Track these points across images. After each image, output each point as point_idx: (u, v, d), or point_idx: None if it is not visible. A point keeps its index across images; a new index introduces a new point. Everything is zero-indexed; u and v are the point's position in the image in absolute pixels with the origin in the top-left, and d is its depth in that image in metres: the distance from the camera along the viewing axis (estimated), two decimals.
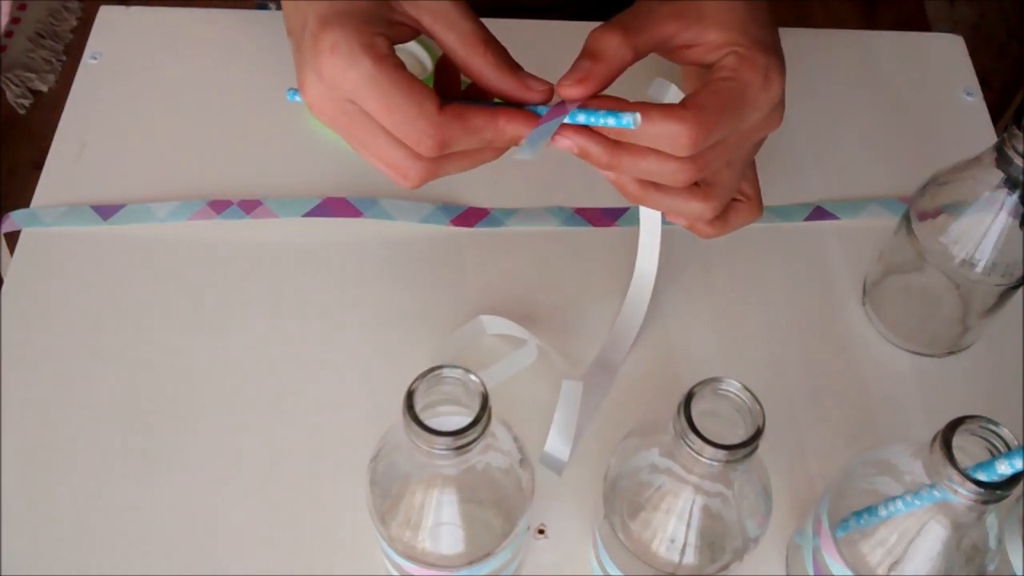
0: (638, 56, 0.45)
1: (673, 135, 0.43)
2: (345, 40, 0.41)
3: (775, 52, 0.46)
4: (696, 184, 0.47)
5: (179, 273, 0.61)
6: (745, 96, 0.44)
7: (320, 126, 0.67)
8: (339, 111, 0.43)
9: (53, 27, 1.68)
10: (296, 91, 0.46)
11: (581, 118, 0.43)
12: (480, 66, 0.44)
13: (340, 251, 0.62)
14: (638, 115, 0.42)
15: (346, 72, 0.41)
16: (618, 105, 0.43)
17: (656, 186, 0.46)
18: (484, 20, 0.45)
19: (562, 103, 0.44)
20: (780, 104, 0.46)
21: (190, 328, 0.59)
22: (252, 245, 0.62)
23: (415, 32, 0.45)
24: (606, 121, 0.43)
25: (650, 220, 0.57)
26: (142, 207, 0.63)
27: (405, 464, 0.42)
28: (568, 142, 0.44)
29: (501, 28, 0.47)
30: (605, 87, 0.44)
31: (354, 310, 0.60)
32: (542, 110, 0.44)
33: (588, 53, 0.44)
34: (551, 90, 0.45)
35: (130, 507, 0.53)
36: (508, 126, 0.44)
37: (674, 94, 0.48)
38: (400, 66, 0.42)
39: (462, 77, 0.47)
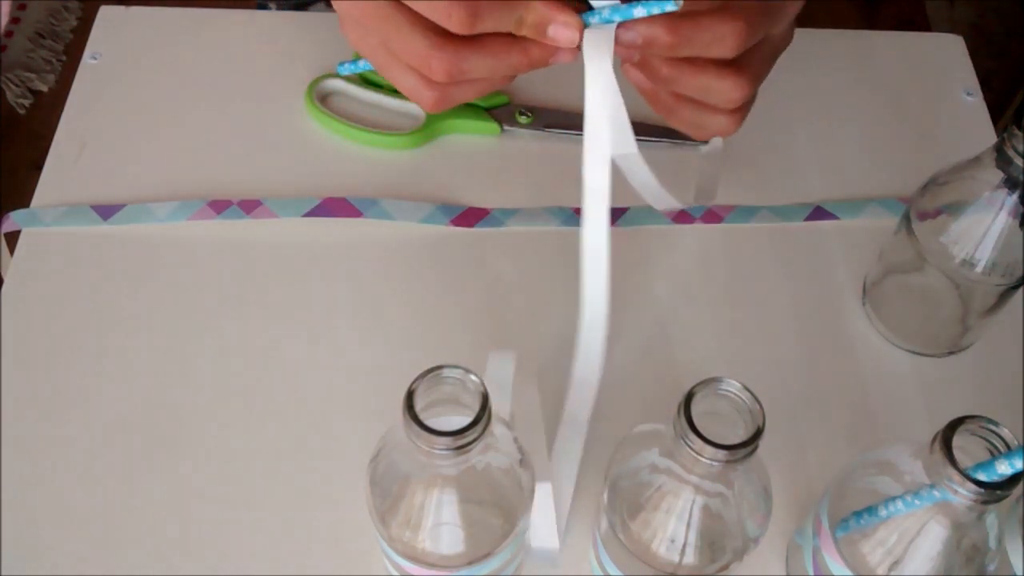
0: None
1: (724, 34, 0.43)
2: None
3: None
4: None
5: (179, 273, 0.61)
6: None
7: (320, 123, 0.67)
8: (367, 11, 0.44)
9: (53, 27, 1.68)
10: (344, 64, 0.52)
11: (616, 16, 0.43)
12: None
13: (340, 251, 0.62)
14: None
15: None
16: None
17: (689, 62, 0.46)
18: None
19: None
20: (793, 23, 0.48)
21: (190, 328, 0.59)
22: (252, 245, 0.62)
23: None
24: (647, 9, 0.42)
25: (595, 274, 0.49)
26: (142, 207, 0.63)
27: (405, 464, 0.42)
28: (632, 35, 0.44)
29: None
30: None
31: (354, 310, 0.60)
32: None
33: None
34: None
35: (130, 507, 0.53)
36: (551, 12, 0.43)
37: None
38: None
39: None
